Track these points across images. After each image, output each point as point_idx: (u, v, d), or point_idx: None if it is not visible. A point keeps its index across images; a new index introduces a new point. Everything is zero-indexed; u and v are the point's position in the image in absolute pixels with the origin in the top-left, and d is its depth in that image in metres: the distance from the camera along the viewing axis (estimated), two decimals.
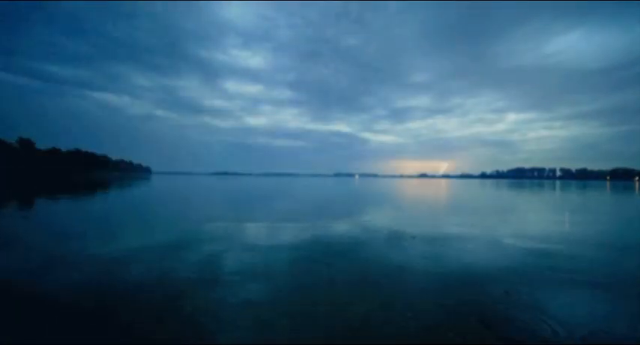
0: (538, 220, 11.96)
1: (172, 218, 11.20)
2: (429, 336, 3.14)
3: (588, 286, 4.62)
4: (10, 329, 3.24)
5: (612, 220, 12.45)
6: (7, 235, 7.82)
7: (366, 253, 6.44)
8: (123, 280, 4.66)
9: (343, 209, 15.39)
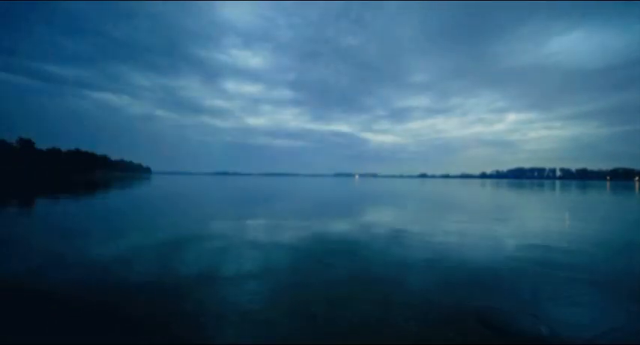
0: (538, 220, 11.98)
1: (173, 218, 11.22)
2: (429, 336, 3.13)
3: (588, 286, 4.64)
4: (11, 329, 3.23)
5: (613, 220, 12.46)
6: (7, 235, 7.85)
7: (366, 253, 6.47)
8: (124, 279, 4.69)
9: (343, 209, 15.42)
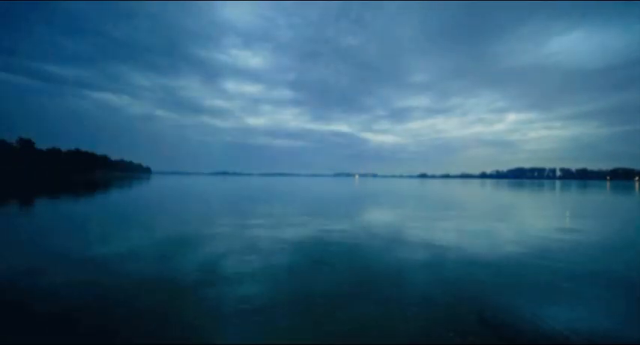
0: (539, 220, 11.96)
1: (173, 218, 11.20)
2: (429, 336, 3.15)
3: (588, 286, 4.63)
4: (11, 330, 3.23)
5: (614, 220, 12.44)
6: (7, 236, 7.83)
7: (367, 254, 6.46)
8: (124, 279, 4.68)
9: (343, 210, 15.40)
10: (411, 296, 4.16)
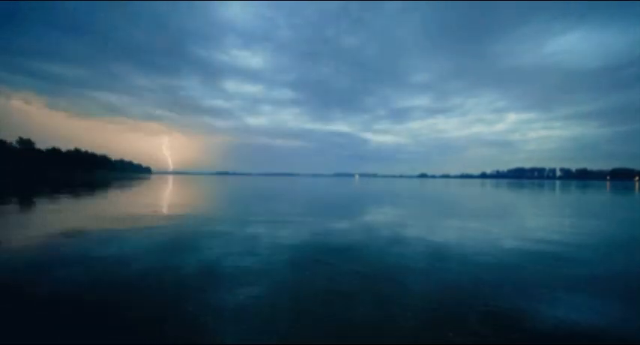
0: (541, 220, 11.92)
1: (171, 216, 11.16)
2: (429, 336, 3.14)
3: (589, 286, 4.59)
4: (10, 330, 3.18)
5: (616, 219, 12.41)
6: (7, 236, 7.79)
7: (367, 253, 6.41)
8: (123, 279, 4.63)
9: (344, 209, 15.37)
10: (411, 296, 4.13)
